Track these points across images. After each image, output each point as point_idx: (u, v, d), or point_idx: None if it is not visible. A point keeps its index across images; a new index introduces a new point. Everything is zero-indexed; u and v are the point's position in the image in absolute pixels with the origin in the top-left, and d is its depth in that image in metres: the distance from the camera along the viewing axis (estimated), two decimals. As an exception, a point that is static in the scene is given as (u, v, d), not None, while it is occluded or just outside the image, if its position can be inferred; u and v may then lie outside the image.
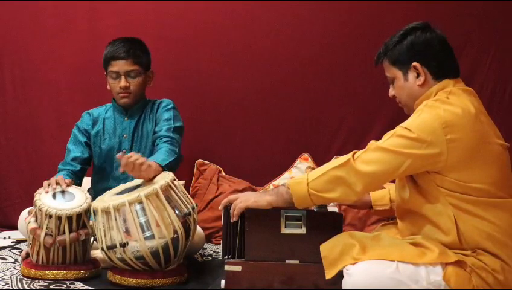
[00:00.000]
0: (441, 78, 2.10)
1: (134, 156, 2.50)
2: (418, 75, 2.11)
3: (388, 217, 2.68)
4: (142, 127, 2.98)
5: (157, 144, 2.84)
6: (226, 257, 2.20)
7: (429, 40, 2.11)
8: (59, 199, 2.59)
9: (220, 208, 2.22)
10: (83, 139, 2.98)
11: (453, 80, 2.11)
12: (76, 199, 2.59)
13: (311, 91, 3.52)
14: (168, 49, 3.47)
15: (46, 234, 2.51)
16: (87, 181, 3.13)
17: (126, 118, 3.00)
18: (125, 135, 2.98)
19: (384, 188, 2.42)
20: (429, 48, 2.11)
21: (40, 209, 2.52)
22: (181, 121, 2.97)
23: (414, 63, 2.10)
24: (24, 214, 2.80)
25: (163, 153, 2.73)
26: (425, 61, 2.10)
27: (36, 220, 2.57)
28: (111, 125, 3.00)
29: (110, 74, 2.94)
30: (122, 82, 2.90)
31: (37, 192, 2.61)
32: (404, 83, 2.14)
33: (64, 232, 2.52)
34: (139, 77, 2.94)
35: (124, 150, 2.94)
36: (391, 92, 2.21)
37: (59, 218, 2.50)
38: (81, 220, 2.56)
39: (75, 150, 2.96)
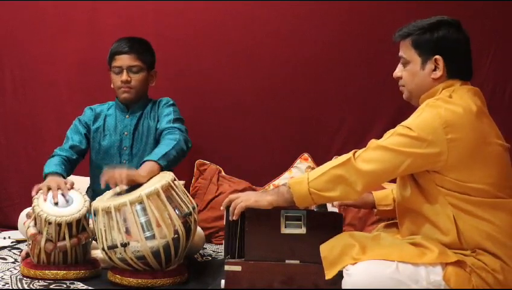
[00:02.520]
0: (454, 78, 2.10)
1: (115, 172, 2.51)
2: (436, 68, 2.10)
3: (389, 218, 2.68)
4: (143, 124, 3.00)
5: (160, 140, 2.85)
6: (228, 256, 2.19)
7: (459, 40, 2.11)
8: (57, 203, 2.56)
9: (221, 208, 2.22)
10: (83, 130, 3.00)
11: (461, 81, 2.10)
12: (75, 203, 2.58)
13: (311, 91, 3.52)
14: (168, 49, 3.46)
15: (46, 240, 2.51)
16: (86, 181, 3.14)
17: (127, 116, 3.01)
18: (126, 133, 2.99)
19: (386, 188, 2.41)
20: (457, 48, 2.10)
21: (39, 216, 2.51)
22: (181, 115, 2.98)
23: (437, 56, 2.09)
24: (24, 215, 2.79)
25: (159, 147, 2.73)
26: (449, 58, 2.09)
27: (35, 225, 2.56)
28: (112, 122, 3.01)
29: (113, 69, 2.96)
30: (124, 76, 2.91)
31: (35, 197, 2.58)
32: (419, 70, 2.12)
33: (64, 238, 2.52)
34: (141, 73, 2.95)
35: (125, 147, 2.95)
36: (398, 72, 2.18)
37: (59, 225, 2.49)
38: (80, 224, 2.56)
39: (74, 139, 2.97)
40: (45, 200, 2.57)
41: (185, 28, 3.56)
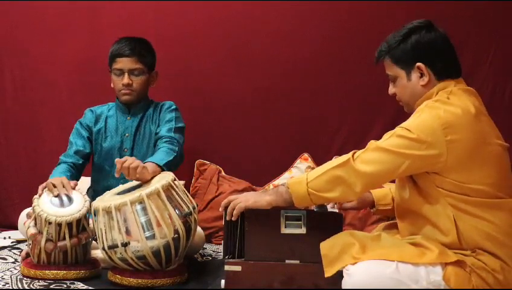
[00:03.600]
0: (444, 78, 2.09)
1: (128, 160, 2.52)
2: (422, 75, 2.09)
3: (388, 217, 2.67)
4: (145, 126, 3.00)
5: (158, 145, 2.85)
6: (226, 257, 2.19)
7: (434, 40, 2.09)
8: (57, 203, 2.56)
9: (220, 209, 2.22)
10: (85, 134, 3.00)
11: (455, 80, 2.10)
12: (75, 203, 2.58)
13: (311, 91, 3.52)
14: (168, 49, 3.46)
15: (46, 240, 2.51)
16: (87, 181, 3.14)
17: (129, 117, 3.01)
18: (127, 134, 2.99)
19: (384, 187, 2.41)
20: (434, 48, 2.09)
21: (39, 216, 2.51)
22: (183, 122, 2.98)
23: (418, 64, 2.08)
24: (24, 215, 2.79)
25: (161, 153, 2.74)
26: (430, 61, 2.08)
27: (35, 225, 2.56)
28: (113, 124, 3.02)
29: (114, 71, 2.95)
30: (125, 79, 2.91)
31: (35, 197, 2.59)
32: (407, 82, 2.13)
33: (64, 238, 2.52)
34: (143, 76, 2.95)
35: (126, 149, 2.96)
36: (391, 90, 2.20)
37: (59, 225, 2.49)
38: (80, 224, 2.56)
39: (77, 143, 2.96)
40: (42, 194, 2.57)
41: (185, 28, 3.56)
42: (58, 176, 2.75)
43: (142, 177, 2.54)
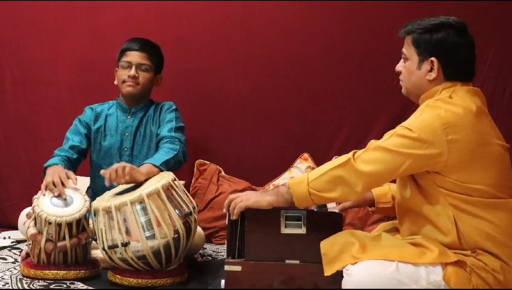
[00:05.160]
0: (452, 80, 2.09)
1: (115, 165, 2.52)
2: (432, 70, 2.09)
3: (388, 217, 2.67)
4: (145, 127, 3.00)
5: (159, 146, 2.86)
6: (230, 257, 2.19)
7: (459, 45, 2.08)
8: (57, 203, 2.56)
9: (224, 210, 2.21)
10: (83, 131, 3.00)
11: (461, 82, 2.09)
12: (75, 202, 2.58)
13: (311, 91, 3.52)
14: (168, 49, 3.44)
15: (46, 240, 2.51)
16: (86, 181, 3.14)
17: (129, 117, 3.01)
18: (127, 134, 2.99)
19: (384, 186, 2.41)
20: (456, 52, 2.08)
21: (39, 216, 2.51)
22: (182, 122, 2.99)
23: (433, 59, 2.08)
24: (24, 215, 2.79)
25: (160, 153, 2.74)
26: (445, 62, 2.07)
27: (35, 225, 2.56)
28: (113, 123, 3.02)
29: (122, 64, 2.98)
30: (132, 71, 2.94)
31: (35, 197, 2.59)
32: (415, 69, 2.12)
33: (64, 238, 2.52)
34: (149, 73, 2.98)
35: (126, 148, 2.95)
36: (399, 67, 2.18)
37: (59, 225, 2.50)
38: (80, 224, 2.56)
39: (74, 139, 2.97)
40: (44, 195, 2.58)
41: (185, 28, 3.56)
42: (52, 162, 2.77)
43: (132, 179, 2.54)
